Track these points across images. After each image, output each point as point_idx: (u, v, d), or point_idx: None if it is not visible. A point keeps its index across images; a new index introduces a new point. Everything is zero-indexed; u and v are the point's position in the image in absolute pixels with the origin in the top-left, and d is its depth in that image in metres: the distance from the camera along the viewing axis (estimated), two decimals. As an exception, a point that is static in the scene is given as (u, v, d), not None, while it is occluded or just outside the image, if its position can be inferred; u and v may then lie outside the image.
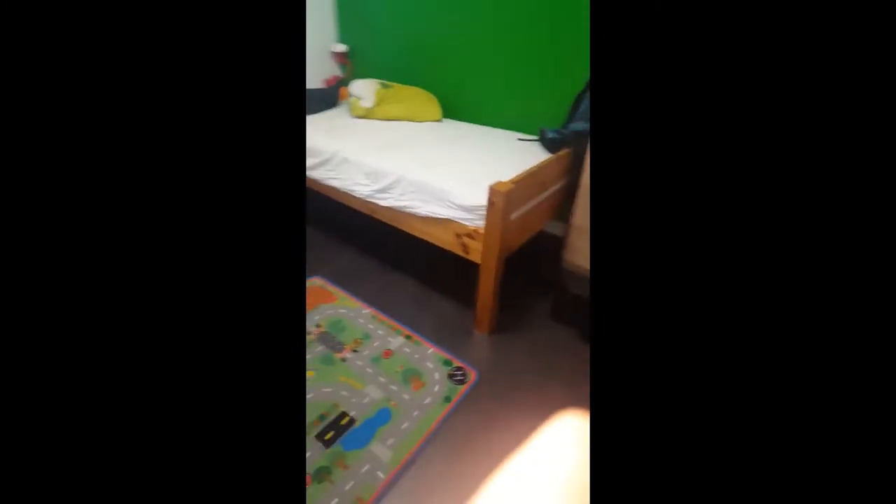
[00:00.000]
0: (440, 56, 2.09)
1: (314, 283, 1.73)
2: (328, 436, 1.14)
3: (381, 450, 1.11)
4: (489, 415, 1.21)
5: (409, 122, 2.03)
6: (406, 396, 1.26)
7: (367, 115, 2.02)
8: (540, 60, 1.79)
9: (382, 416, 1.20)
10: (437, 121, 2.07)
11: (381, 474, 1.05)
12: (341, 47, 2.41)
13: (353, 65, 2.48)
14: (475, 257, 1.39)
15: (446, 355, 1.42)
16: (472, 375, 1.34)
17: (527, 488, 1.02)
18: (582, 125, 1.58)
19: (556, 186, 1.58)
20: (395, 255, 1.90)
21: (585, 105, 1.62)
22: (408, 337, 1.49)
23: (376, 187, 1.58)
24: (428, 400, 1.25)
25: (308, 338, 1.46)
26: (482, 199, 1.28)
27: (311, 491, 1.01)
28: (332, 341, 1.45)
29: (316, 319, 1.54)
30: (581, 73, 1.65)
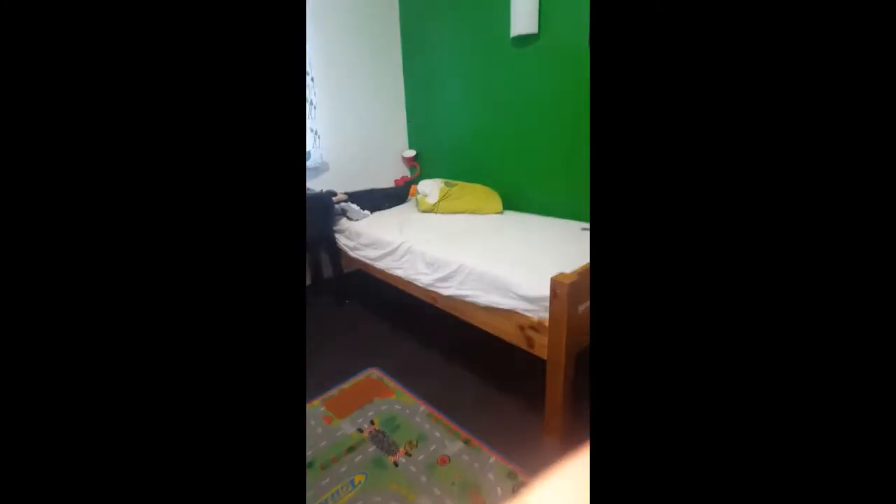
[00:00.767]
0: (499, 154, 2.25)
1: (370, 374, 1.70)
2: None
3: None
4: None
5: (472, 214, 2.13)
6: (464, 519, 1.08)
7: (432, 209, 2.16)
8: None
9: (436, 544, 1.02)
10: (499, 213, 2.14)
11: None
12: (410, 152, 2.73)
13: (420, 166, 2.76)
14: (541, 352, 1.28)
15: (510, 466, 1.23)
16: (543, 498, 1.13)
17: None
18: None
19: (628, 275, 1.47)
20: (457, 349, 1.83)
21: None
22: (467, 441, 1.34)
23: (438, 276, 1.60)
24: (489, 526, 1.06)
25: (360, 435, 1.38)
26: (545, 290, 1.22)
27: None
28: (385, 442, 1.35)
29: (370, 415, 1.47)
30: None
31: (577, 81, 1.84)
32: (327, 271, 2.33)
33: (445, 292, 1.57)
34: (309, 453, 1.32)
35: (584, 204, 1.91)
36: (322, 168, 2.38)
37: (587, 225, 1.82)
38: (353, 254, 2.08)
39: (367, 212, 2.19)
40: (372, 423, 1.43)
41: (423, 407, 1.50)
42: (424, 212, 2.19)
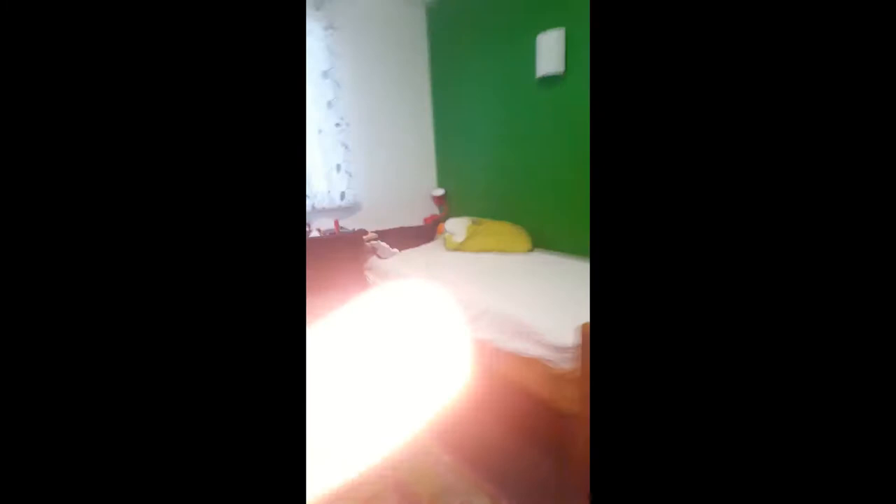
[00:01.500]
0: (527, 192, 2.24)
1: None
2: None
3: None
4: None
5: (499, 253, 2.11)
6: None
7: (459, 248, 2.17)
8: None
9: None
10: (527, 251, 2.11)
11: None
12: (439, 191, 2.79)
13: (448, 204, 2.80)
14: (570, 406, 1.20)
15: (538, 534, 1.14)
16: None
17: None
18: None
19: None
20: (484, 396, 1.77)
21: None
22: (492, 498, 1.26)
23: (464, 318, 1.58)
24: None
25: (378, 487, 1.33)
26: (574, 339, 1.16)
27: None
28: (406, 491, 1.30)
29: (392, 462, 1.43)
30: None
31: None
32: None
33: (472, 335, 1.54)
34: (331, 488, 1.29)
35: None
36: (355, 207, 2.49)
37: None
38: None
39: (395, 250, 2.24)
40: (394, 468, 1.39)
41: (447, 456, 1.44)
42: (452, 250, 2.20)
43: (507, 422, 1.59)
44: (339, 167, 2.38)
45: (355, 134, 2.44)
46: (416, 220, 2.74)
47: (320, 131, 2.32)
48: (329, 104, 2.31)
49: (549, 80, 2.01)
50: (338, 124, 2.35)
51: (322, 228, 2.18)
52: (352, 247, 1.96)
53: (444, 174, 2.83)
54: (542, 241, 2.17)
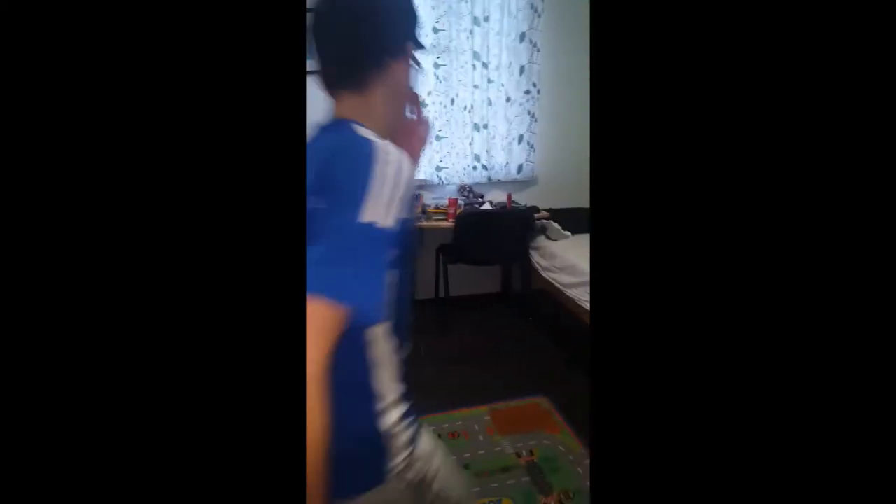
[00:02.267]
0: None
1: (540, 403, 1.67)
2: None
3: None
4: None
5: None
6: None
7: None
8: None
9: None
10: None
11: None
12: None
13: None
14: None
15: None
16: None
17: None
18: None
19: None
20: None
21: None
22: None
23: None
24: None
25: (517, 461, 1.39)
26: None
27: None
28: (539, 478, 1.32)
29: (531, 444, 1.46)
30: None
31: None
32: (517, 285, 2.39)
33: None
34: (467, 455, 1.43)
35: None
36: (531, 182, 2.42)
37: None
38: (544, 274, 2.05)
39: (567, 233, 2.11)
40: (531, 452, 1.42)
41: (588, 460, 1.38)
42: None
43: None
44: (520, 138, 2.32)
45: (545, 102, 2.30)
46: (584, 202, 2.50)
47: (508, 99, 2.27)
48: (522, 69, 2.22)
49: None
50: (527, 91, 2.24)
51: (494, 201, 2.21)
52: (521, 224, 1.93)
53: (638, 149, 2.44)
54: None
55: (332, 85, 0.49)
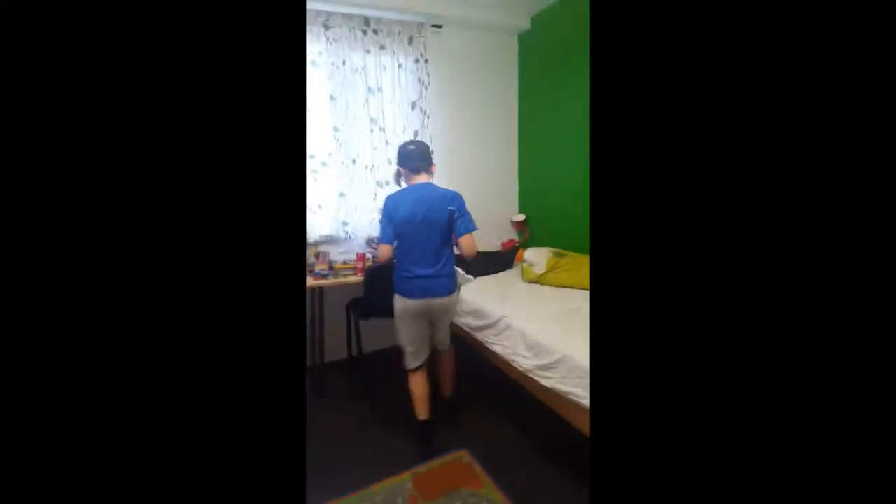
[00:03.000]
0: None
1: (461, 458, 1.62)
2: None
3: None
4: None
5: (584, 290, 1.96)
6: None
7: (538, 280, 2.07)
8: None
9: None
10: (613, 289, 1.92)
11: None
12: (520, 216, 2.71)
13: (529, 231, 2.71)
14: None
15: None
16: None
17: None
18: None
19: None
20: (560, 446, 1.63)
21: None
22: None
23: (538, 362, 1.49)
24: None
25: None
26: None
27: None
28: None
29: (456, 506, 1.38)
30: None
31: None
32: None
33: (546, 383, 1.44)
34: None
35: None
36: (434, 232, 2.53)
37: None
38: (454, 319, 2.10)
39: (471, 276, 2.21)
40: (457, 516, 1.35)
41: (513, 510, 1.35)
42: (529, 282, 2.11)
43: (587, 482, 1.44)
44: (422, 192, 2.46)
45: (439, 159, 2.49)
46: (495, 245, 2.70)
47: (407, 159, 2.42)
48: (416, 133, 2.41)
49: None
50: (423, 152, 2.43)
51: (403, 253, 2.26)
52: (429, 273, 1.99)
53: (527, 199, 2.75)
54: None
55: (418, 171, 1.57)
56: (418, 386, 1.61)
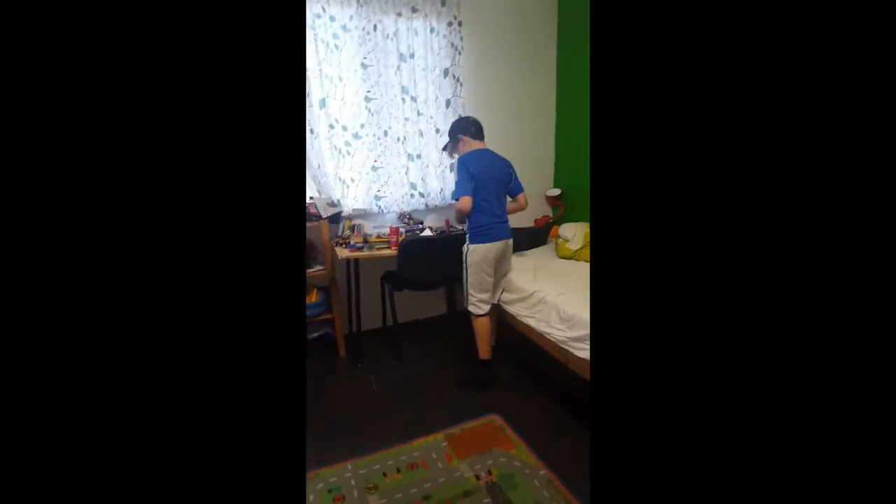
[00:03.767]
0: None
1: (493, 421, 1.69)
2: None
3: None
4: None
5: (617, 264, 1.92)
6: None
7: (573, 256, 2.05)
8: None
9: None
10: (651, 264, 1.88)
11: None
12: (555, 191, 2.65)
13: (564, 207, 2.64)
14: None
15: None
16: None
17: None
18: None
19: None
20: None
21: None
22: None
23: (573, 334, 1.50)
24: None
25: (477, 483, 1.39)
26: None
27: None
28: (500, 497, 1.33)
29: (488, 464, 1.47)
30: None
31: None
32: (461, 306, 2.44)
33: (580, 354, 1.46)
34: (427, 486, 1.40)
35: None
36: (466, 205, 2.52)
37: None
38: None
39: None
40: (490, 472, 1.43)
41: (543, 471, 1.42)
42: (564, 258, 2.09)
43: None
44: (452, 166, 2.43)
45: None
46: (527, 221, 2.66)
47: (437, 130, 2.38)
48: (448, 102, 2.35)
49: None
50: (455, 122, 2.38)
51: (434, 227, 2.28)
52: (460, 247, 2.00)
53: (563, 174, 2.67)
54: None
55: (475, 137, 1.86)
56: (484, 328, 1.83)
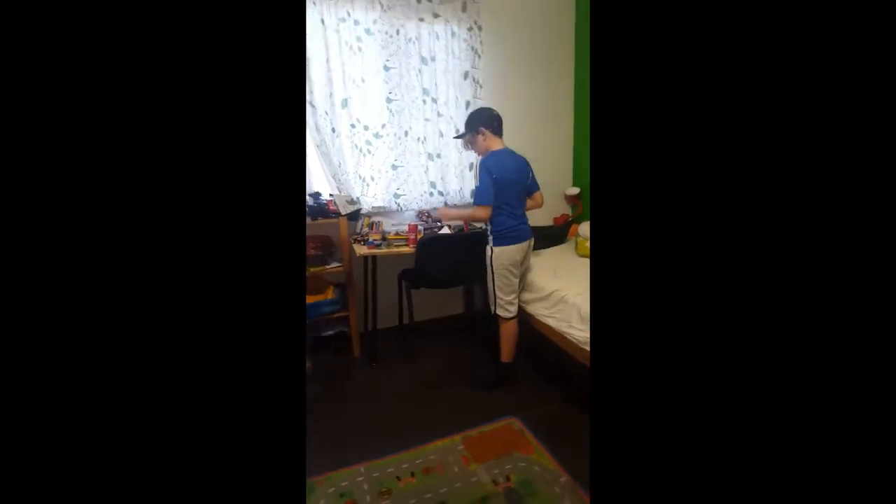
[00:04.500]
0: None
1: (512, 423, 1.63)
2: None
3: None
4: None
5: (641, 264, 1.86)
6: None
7: (593, 254, 1.99)
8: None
9: None
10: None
11: None
12: (574, 190, 2.60)
13: (583, 205, 2.59)
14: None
15: None
16: None
17: None
18: None
19: None
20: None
21: None
22: None
23: (595, 334, 1.44)
24: None
25: (495, 488, 1.32)
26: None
27: None
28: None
29: (507, 469, 1.40)
30: None
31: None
32: (479, 304, 2.40)
33: (603, 354, 1.39)
34: (443, 491, 1.34)
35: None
36: (484, 205, 2.50)
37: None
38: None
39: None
40: (508, 478, 1.37)
41: (564, 477, 1.35)
42: (583, 256, 2.03)
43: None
44: (471, 165, 2.43)
45: (491, 132, 2.44)
46: (546, 220, 2.62)
47: (457, 130, 2.39)
48: (467, 104, 2.37)
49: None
50: (475, 123, 2.38)
51: (453, 225, 2.26)
52: (479, 246, 1.97)
53: (582, 173, 2.63)
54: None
55: (496, 133, 1.79)
56: (512, 332, 1.80)
